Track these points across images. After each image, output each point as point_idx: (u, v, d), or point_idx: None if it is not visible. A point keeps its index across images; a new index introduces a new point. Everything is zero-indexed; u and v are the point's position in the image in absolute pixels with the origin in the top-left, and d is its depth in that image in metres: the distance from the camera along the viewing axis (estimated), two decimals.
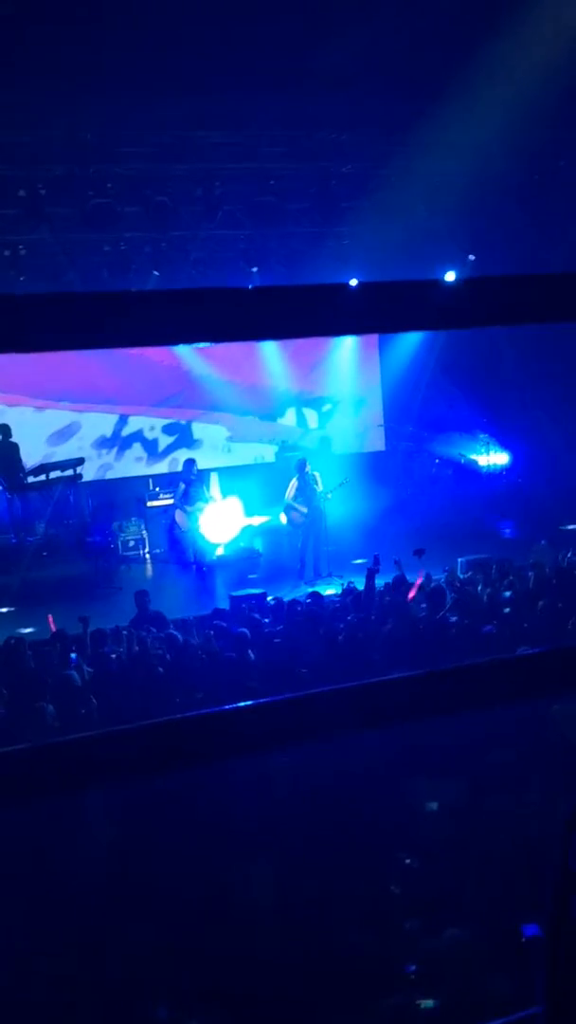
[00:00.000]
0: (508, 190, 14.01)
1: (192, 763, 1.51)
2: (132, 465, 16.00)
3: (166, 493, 14.80)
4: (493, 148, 12.30)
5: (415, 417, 16.73)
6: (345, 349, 16.89)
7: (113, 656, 7.94)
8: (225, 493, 14.25)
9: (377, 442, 17.30)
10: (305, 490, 12.74)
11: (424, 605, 8.73)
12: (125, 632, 8.53)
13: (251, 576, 12.67)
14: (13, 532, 13.12)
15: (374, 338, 16.94)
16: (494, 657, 1.57)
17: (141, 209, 12.92)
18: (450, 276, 13.39)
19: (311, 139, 13.10)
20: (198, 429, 16.47)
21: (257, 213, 13.55)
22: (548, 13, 10.03)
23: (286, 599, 9.98)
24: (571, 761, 5.23)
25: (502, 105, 11.16)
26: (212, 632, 8.51)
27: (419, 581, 9.23)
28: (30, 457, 13.05)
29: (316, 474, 12.91)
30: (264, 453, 16.33)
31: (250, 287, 1.58)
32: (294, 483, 12.84)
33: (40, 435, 15.00)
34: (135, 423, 16.07)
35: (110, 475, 15.79)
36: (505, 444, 16.20)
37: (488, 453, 16.16)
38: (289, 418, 16.96)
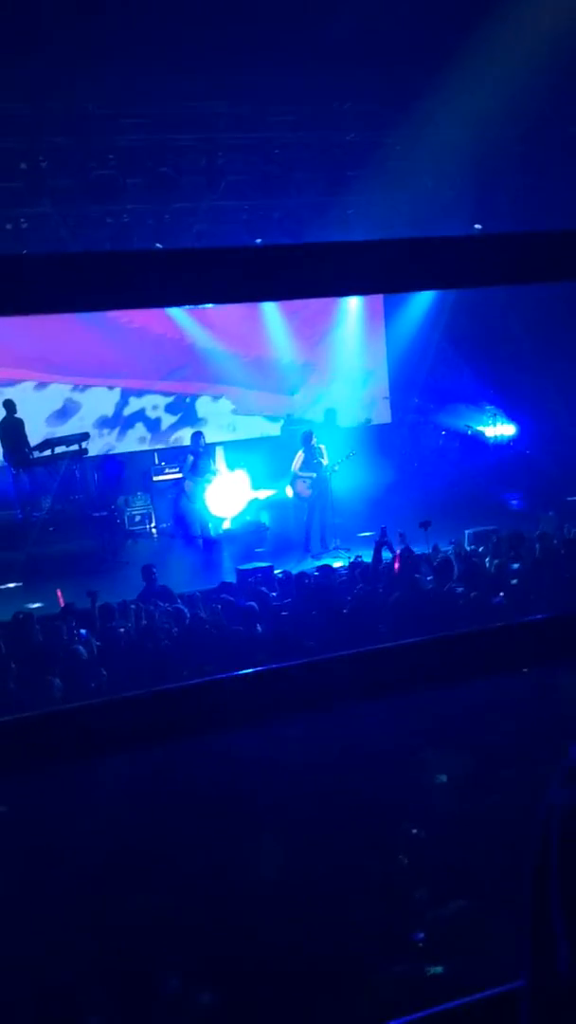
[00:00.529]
0: (513, 158, 13.89)
1: (198, 730, 1.51)
2: (135, 445, 15.89)
3: (172, 468, 14.77)
4: (498, 116, 12.18)
5: (421, 389, 16.65)
6: (351, 320, 16.74)
7: (121, 630, 7.95)
8: (231, 467, 14.21)
9: (383, 414, 17.21)
10: (311, 462, 12.71)
11: (430, 578, 8.72)
12: (133, 606, 8.54)
13: (258, 550, 12.64)
14: (19, 508, 13.10)
15: (380, 310, 16.82)
16: (502, 624, 1.56)
17: (143, 180, 12.82)
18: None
19: (315, 108, 12.97)
20: (202, 407, 16.33)
21: (261, 183, 13.43)
22: None
23: (293, 572, 9.97)
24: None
25: (506, 73, 11.05)
26: (219, 606, 8.50)
27: (398, 552, 9.24)
28: (31, 437, 12.97)
29: (322, 447, 12.86)
30: (269, 428, 16.26)
31: (257, 241, 1.55)
32: (300, 455, 12.81)
33: (40, 415, 14.76)
34: (136, 403, 15.92)
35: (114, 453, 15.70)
36: (512, 415, 16.13)
37: (495, 424, 16.09)
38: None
